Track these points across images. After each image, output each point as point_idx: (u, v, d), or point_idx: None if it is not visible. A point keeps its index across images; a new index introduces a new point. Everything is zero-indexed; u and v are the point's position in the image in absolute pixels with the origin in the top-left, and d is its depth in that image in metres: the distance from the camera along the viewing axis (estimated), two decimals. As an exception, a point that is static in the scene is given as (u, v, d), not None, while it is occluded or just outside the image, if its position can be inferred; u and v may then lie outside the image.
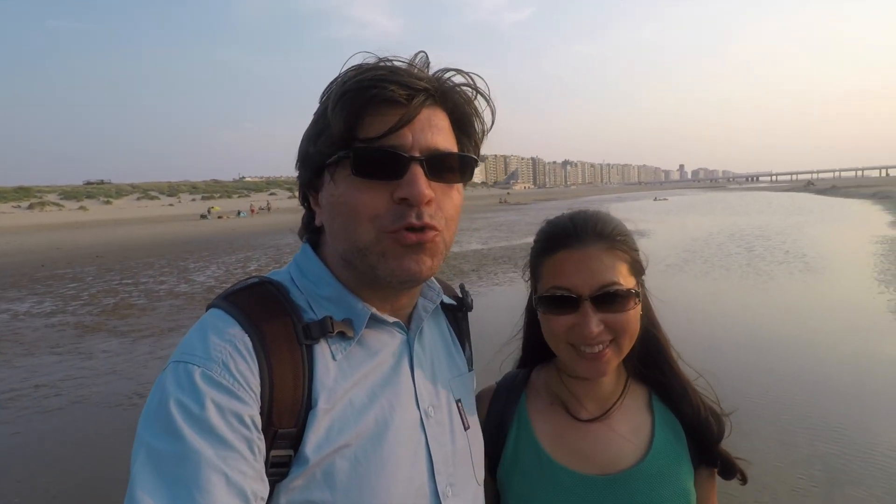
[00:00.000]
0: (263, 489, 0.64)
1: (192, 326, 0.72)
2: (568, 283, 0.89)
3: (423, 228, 0.72)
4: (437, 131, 0.75)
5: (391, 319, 0.79)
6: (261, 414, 0.66)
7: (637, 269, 0.94)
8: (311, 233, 0.83)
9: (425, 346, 0.85)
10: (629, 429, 0.97)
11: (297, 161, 0.80)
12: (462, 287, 1.01)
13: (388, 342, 0.79)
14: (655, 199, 61.39)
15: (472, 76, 0.79)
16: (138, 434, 0.63)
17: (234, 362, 0.66)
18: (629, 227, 0.96)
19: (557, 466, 0.94)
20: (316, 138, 0.75)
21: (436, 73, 0.77)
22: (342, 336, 0.74)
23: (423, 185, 0.71)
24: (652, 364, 1.01)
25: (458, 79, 0.78)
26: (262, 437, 0.65)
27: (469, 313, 1.01)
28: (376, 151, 0.71)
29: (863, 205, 34.07)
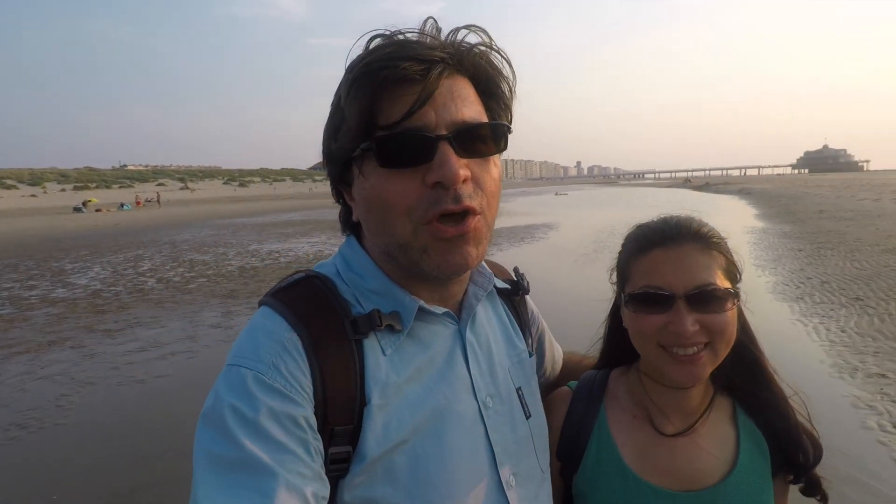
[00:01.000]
0: (324, 488, 0.64)
1: (244, 328, 0.72)
2: (661, 282, 0.86)
3: (464, 215, 0.68)
4: (461, 102, 0.69)
5: (440, 310, 0.77)
6: (315, 413, 0.65)
7: (732, 274, 0.90)
8: (352, 228, 0.81)
9: (479, 334, 0.82)
10: (714, 443, 0.94)
11: (323, 157, 0.76)
12: (516, 270, 0.98)
13: (439, 333, 0.77)
14: (557, 194, 64.49)
15: (488, 33, 0.73)
16: (197, 438, 0.63)
17: (284, 364, 0.65)
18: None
19: (642, 483, 0.92)
20: (335, 133, 0.72)
21: (447, 36, 0.71)
22: (391, 329, 0.73)
23: (455, 164, 0.66)
24: (745, 375, 0.96)
25: (472, 38, 0.72)
26: (319, 436, 0.65)
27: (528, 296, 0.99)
28: (399, 137, 0.67)
29: (731, 199, 38.30)
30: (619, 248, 0.98)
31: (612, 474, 0.93)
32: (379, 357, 0.71)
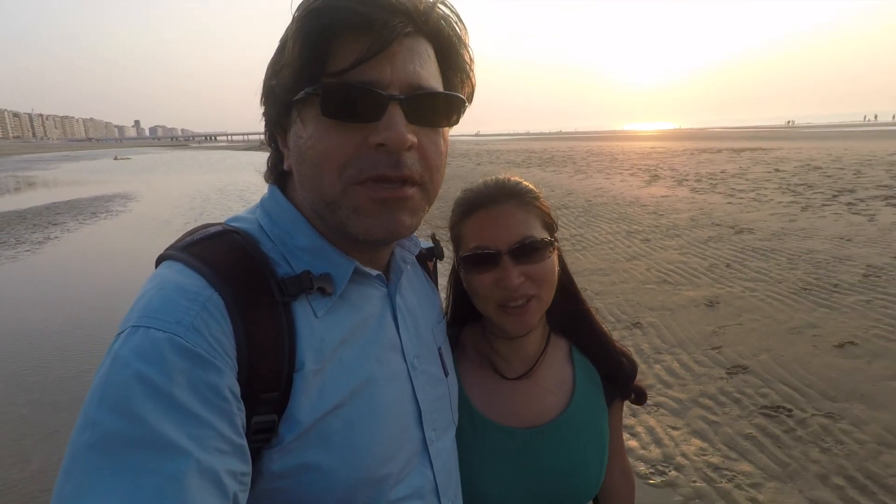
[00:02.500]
0: (244, 464, 0.59)
1: (145, 284, 0.63)
2: (487, 241, 0.93)
3: (402, 183, 0.66)
4: (420, 65, 0.66)
5: (374, 272, 0.75)
6: (238, 380, 0.60)
7: (549, 225, 0.99)
8: (279, 175, 0.75)
9: (406, 297, 0.83)
10: (553, 382, 1.04)
11: (262, 95, 0.71)
12: (433, 236, 1.01)
13: (370, 295, 0.76)
14: (117, 159, 55.45)
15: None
16: (85, 414, 0.53)
17: (205, 325, 0.59)
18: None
19: (488, 422, 0.99)
20: (279, 70, 0.66)
21: None
22: (322, 292, 0.69)
23: (404, 129, 0.63)
24: (571, 317, 1.08)
25: (441, 9, 0.69)
26: (242, 405, 0.60)
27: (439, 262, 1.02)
28: (349, 88, 0.62)
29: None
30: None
31: (462, 418, 0.97)
32: (311, 320, 0.68)
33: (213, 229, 0.69)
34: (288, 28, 0.65)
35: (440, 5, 0.68)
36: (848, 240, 7.20)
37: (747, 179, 13.94)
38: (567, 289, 1.05)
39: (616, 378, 1.08)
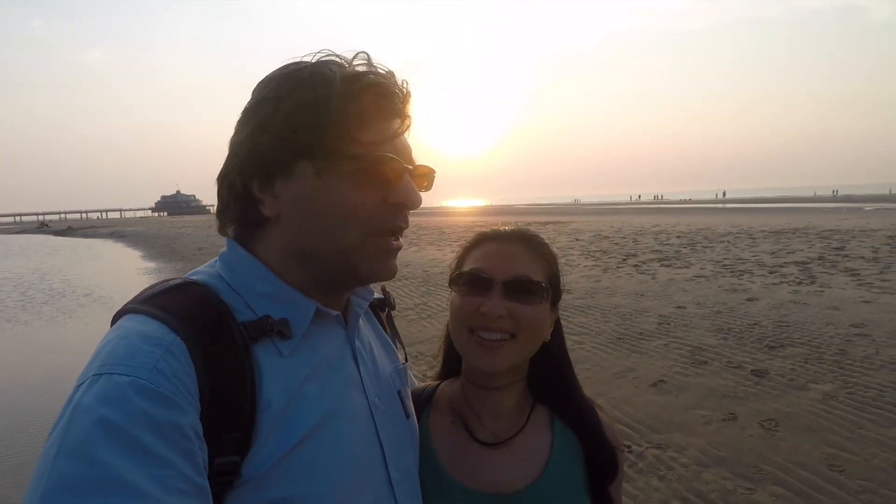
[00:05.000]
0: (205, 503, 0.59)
1: (104, 337, 0.64)
2: (486, 268, 0.94)
3: (401, 232, 0.78)
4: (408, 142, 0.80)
5: (334, 312, 0.79)
6: (201, 420, 0.61)
7: (553, 282, 0.98)
8: (246, 226, 0.77)
9: (363, 340, 0.87)
10: (527, 449, 0.98)
11: (247, 140, 0.72)
12: (384, 287, 1.04)
13: (331, 336, 0.80)
14: None
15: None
16: (41, 467, 0.54)
17: (169, 366, 0.60)
18: None
19: (454, 484, 0.95)
20: (311, 126, 0.70)
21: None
22: (281, 336, 0.72)
23: (419, 193, 0.78)
24: (559, 388, 1.03)
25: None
26: (205, 444, 0.61)
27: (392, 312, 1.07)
28: (388, 160, 0.72)
29: (107, 243, 36.56)
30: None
31: (427, 476, 0.95)
32: (277, 360, 0.70)
33: (173, 282, 0.71)
34: (325, 90, 0.71)
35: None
36: (641, 294, 8.66)
37: (557, 248, 15.86)
38: (557, 358, 1.02)
39: (599, 461, 0.99)
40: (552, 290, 0.98)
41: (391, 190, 0.74)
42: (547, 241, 1.03)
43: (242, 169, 0.73)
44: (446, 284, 1.06)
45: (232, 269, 0.75)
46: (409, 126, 0.76)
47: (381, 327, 0.99)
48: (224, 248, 0.78)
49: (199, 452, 0.59)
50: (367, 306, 0.91)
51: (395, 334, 1.02)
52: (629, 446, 3.88)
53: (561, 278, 1.02)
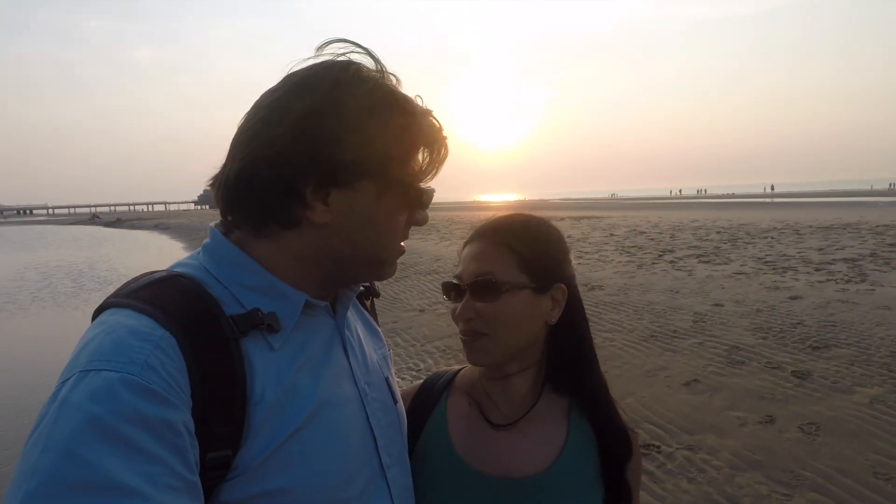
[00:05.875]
0: (195, 501, 0.59)
1: (86, 333, 0.63)
2: (461, 273, 0.98)
3: None
4: None
5: (322, 303, 0.80)
6: (193, 416, 0.61)
7: (535, 268, 0.95)
8: (262, 223, 0.74)
9: (351, 329, 0.88)
10: (541, 436, 0.98)
11: (314, 145, 0.71)
12: None
13: (320, 326, 0.80)
14: None
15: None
16: (24, 464, 0.52)
17: (160, 362, 0.59)
18: None
19: (466, 467, 0.97)
20: (385, 152, 0.74)
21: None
22: (270, 329, 0.71)
23: None
24: (572, 366, 1.00)
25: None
26: (196, 441, 0.61)
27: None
28: (429, 192, 0.81)
29: (152, 235, 38.16)
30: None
31: (439, 459, 0.98)
32: (267, 354, 0.70)
33: (157, 275, 0.70)
34: (384, 111, 0.74)
35: None
36: (676, 291, 8.40)
37: (590, 243, 15.72)
38: (572, 340, 1.00)
39: (614, 453, 0.98)
40: (534, 274, 0.95)
41: (420, 213, 0.82)
42: (537, 221, 1.02)
43: (305, 172, 0.71)
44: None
45: (217, 260, 0.74)
46: (444, 159, 0.82)
47: (366, 315, 1.01)
48: (207, 239, 0.77)
49: (190, 449, 0.59)
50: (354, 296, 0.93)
51: (378, 322, 1.04)
52: (658, 446, 3.78)
53: (561, 256, 1.00)
